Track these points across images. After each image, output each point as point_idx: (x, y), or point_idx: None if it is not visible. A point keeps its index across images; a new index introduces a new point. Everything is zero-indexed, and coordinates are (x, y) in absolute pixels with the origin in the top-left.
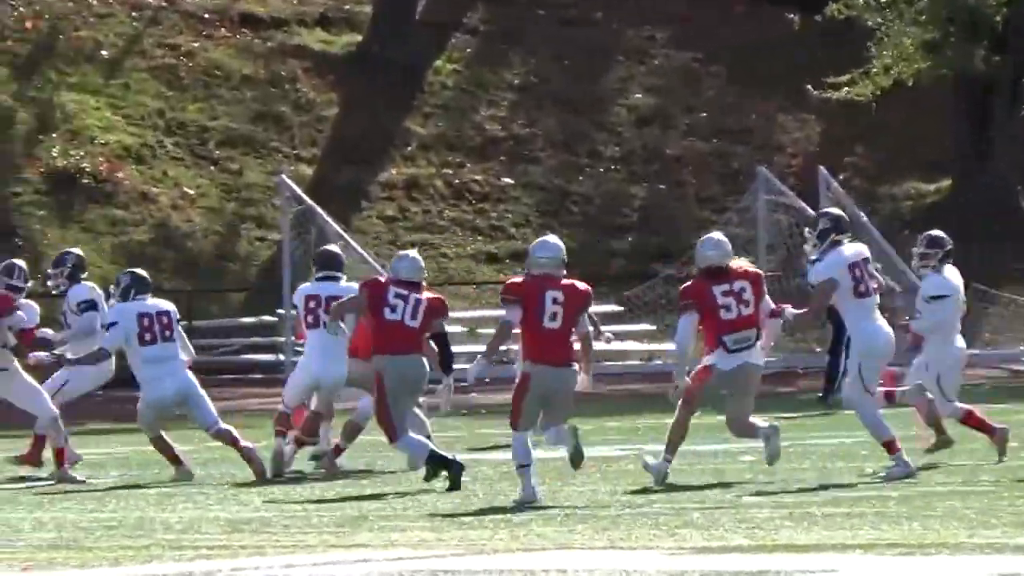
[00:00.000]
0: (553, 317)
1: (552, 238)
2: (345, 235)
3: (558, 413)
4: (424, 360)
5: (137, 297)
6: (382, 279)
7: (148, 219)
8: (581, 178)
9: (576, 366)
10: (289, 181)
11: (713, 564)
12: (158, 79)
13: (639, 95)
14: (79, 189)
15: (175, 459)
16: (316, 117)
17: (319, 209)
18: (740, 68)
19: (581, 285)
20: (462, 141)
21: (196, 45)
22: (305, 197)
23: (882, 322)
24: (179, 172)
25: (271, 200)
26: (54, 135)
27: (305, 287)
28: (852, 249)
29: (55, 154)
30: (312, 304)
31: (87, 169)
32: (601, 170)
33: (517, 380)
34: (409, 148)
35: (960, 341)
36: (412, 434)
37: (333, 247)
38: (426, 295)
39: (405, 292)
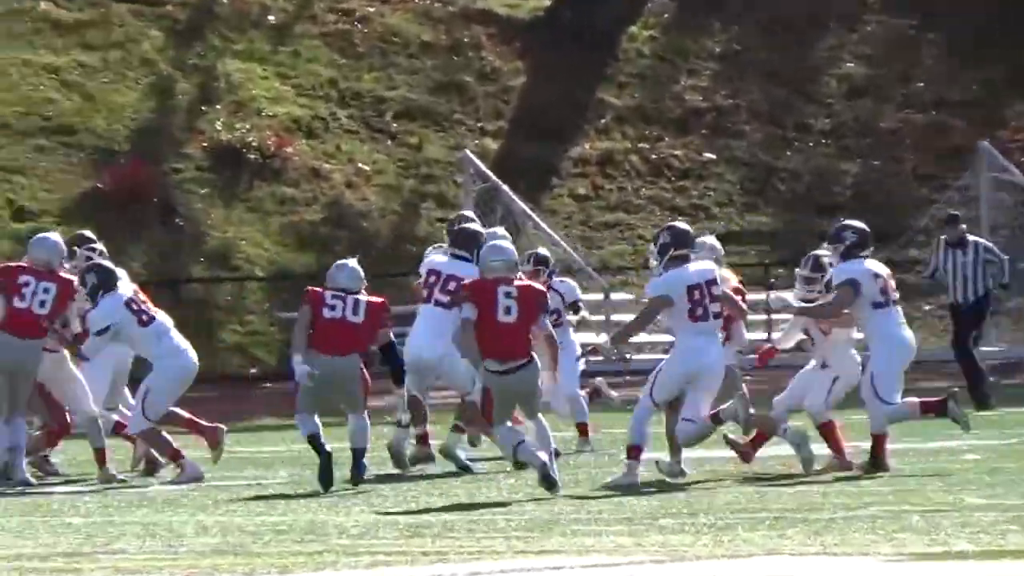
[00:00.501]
0: (507, 311)
1: (503, 242)
2: (533, 215)
3: (529, 408)
4: (352, 362)
5: (105, 295)
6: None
7: (319, 197)
8: (788, 153)
9: (536, 361)
10: (472, 156)
11: (935, 571)
12: (330, 46)
13: (851, 64)
14: (245, 165)
15: (176, 455)
16: (502, 87)
17: (505, 187)
18: (959, 36)
19: (536, 285)
20: (660, 113)
21: (372, 10)
22: (490, 174)
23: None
24: (353, 147)
25: (453, 177)
26: (217, 107)
27: (434, 259)
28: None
29: (219, 127)
30: (432, 279)
31: (253, 144)
32: (810, 144)
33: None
34: (603, 121)
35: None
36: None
37: (474, 226)
38: (367, 297)
39: (343, 295)
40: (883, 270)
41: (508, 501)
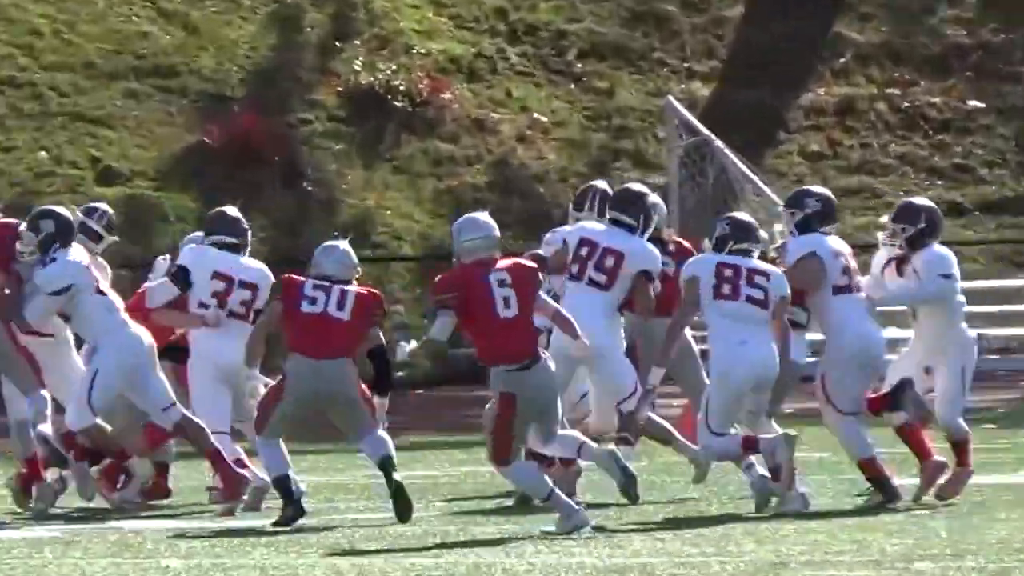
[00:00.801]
0: (507, 304)
1: (481, 215)
2: (754, 176)
3: (550, 424)
4: (345, 368)
5: (63, 249)
6: (298, 276)
7: (484, 155)
8: None
9: (546, 356)
10: (678, 105)
11: None
12: None
13: None
14: (390, 115)
15: (120, 458)
16: (713, 19)
17: (718, 142)
18: None
19: (526, 262)
20: (913, 52)
21: None
22: (699, 126)
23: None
24: (527, 92)
25: (653, 130)
26: (356, 43)
27: (587, 226)
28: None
29: (357, 68)
30: (584, 251)
31: (401, 88)
32: None
33: (494, 405)
34: (841, 61)
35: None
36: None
37: (636, 186)
38: (356, 288)
39: (326, 284)
40: (845, 249)
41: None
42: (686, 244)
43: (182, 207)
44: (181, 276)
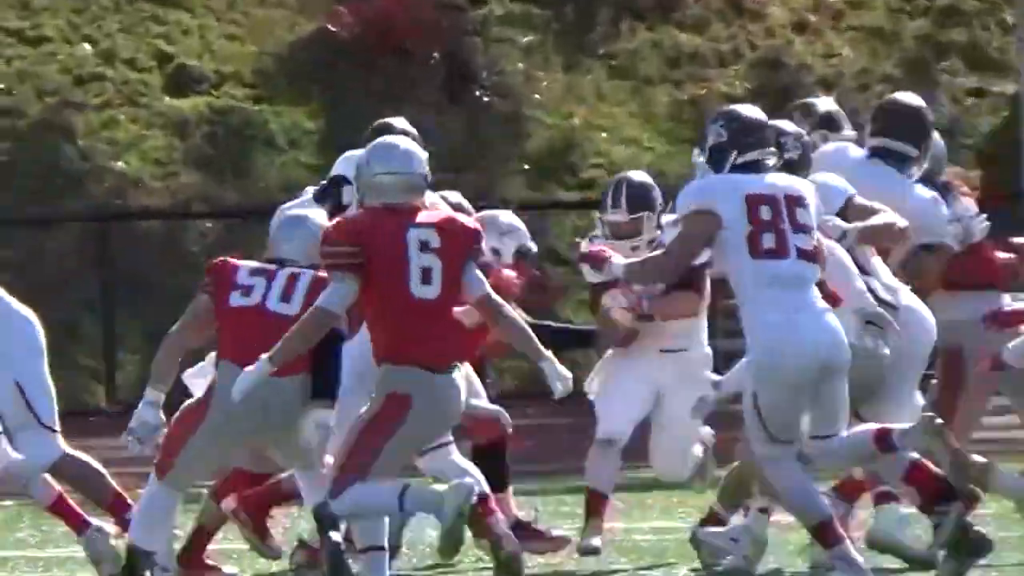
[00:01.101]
0: (426, 277)
1: (402, 140)
2: None
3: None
4: (293, 384)
5: None
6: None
7: (746, 51)
8: None
9: (460, 370)
10: None
11: None
12: None
13: None
14: None
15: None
16: None
17: None
18: None
19: (464, 219)
20: None
21: None
22: None
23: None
24: None
25: (999, 14)
26: None
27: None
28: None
29: None
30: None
31: None
32: None
33: (377, 405)
34: None
35: None
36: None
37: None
38: (312, 274)
39: (269, 269)
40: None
41: None
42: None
43: (294, 127)
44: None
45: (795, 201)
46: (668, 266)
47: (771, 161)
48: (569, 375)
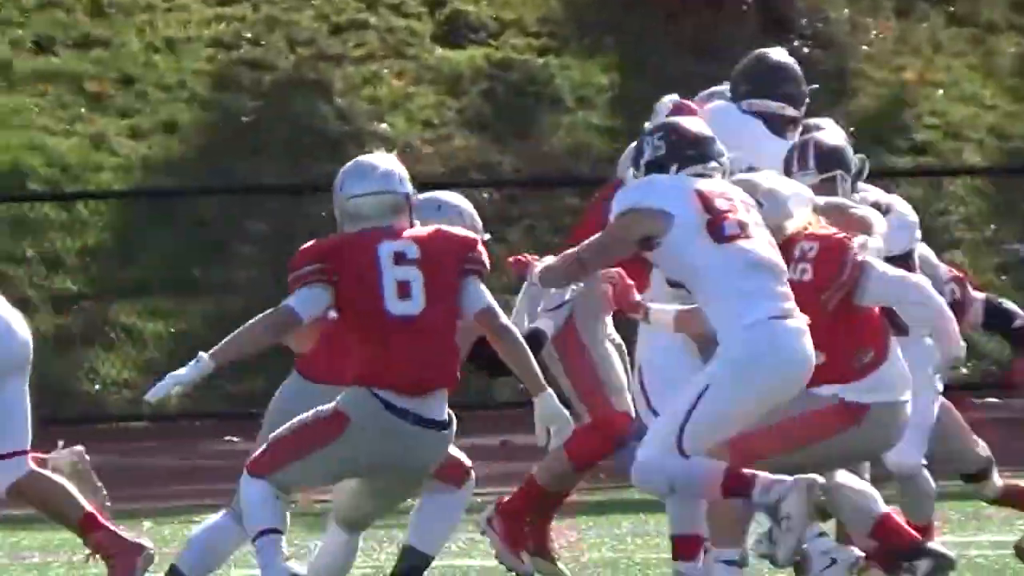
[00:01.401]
0: (403, 291)
1: (379, 158)
2: None
3: (388, 502)
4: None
5: None
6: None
7: None
8: None
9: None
10: None
11: None
12: None
13: None
14: None
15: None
16: None
17: None
18: None
19: (455, 231)
20: None
21: None
22: None
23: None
24: None
25: None
26: None
27: None
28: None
29: None
30: None
31: None
32: None
33: (324, 412)
34: None
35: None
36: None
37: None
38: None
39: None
40: None
41: None
42: None
43: (584, 83)
44: None
45: (750, 205)
46: (583, 270)
47: (716, 176)
48: (564, 419)
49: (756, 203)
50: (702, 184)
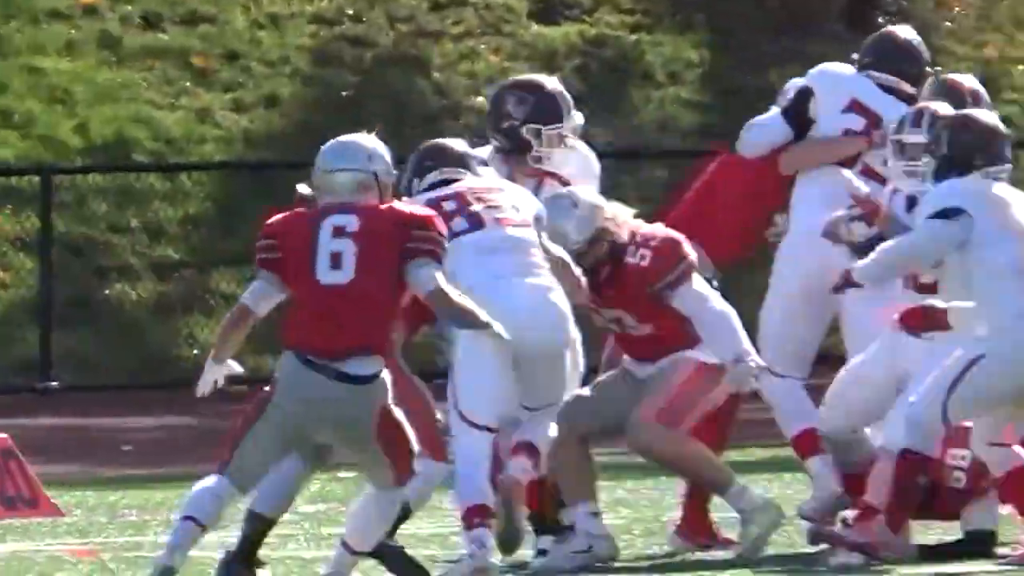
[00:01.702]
0: (335, 262)
1: (358, 137)
2: None
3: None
4: None
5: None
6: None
7: None
8: None
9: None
10: None
11: None
12: None
13: None
14: None
15: None
16: None
17: None
18: None
19: (409, 207)
20: None
21: None
22: None
23: None
24: None
25: None
26: None
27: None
28: None
29: None
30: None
31: None
32: None
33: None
34: None
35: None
36: None
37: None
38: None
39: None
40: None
41: None
42: None
43: (675, 58)
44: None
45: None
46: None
47: (1004, 176)
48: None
49: None
50: (1002, 190)
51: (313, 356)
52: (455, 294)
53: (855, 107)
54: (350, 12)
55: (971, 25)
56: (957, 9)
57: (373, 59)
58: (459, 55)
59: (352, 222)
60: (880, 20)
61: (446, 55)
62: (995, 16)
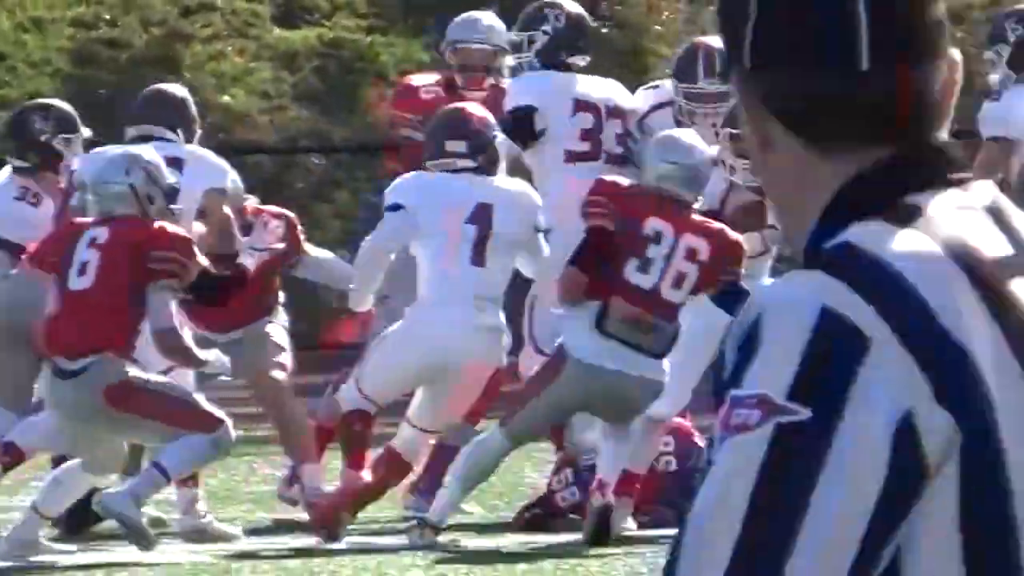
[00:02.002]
0: (83, 270)
1: (119, 148)
2: None
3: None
4: None
5: None
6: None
7: None
8: None
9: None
10: None
11: None
12: None
13: None
14: None
15: None
16: None
17: None
18: None
19: (167, 227)
20: None
21: None
22: None
23: None
24: None
25: None
26: None
27: None
28: None
29: None
30: None
31: None
32: None
33: None
34: None
35: None
36: None
37: None
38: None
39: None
40: None
41: None
42: None
43: (407, 59)
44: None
45: None
46: None
47: None
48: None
49: None
50: None
51: (57, 359)
52: (179, 336)
53: None
54: (107, 17)
55: (678, 28)
56: (667, 14)
57: (128, 60)
58: (208, 56)
59: (103, 234)
60: (593, 25)
61: (196, 56)
62: (700, 21)
